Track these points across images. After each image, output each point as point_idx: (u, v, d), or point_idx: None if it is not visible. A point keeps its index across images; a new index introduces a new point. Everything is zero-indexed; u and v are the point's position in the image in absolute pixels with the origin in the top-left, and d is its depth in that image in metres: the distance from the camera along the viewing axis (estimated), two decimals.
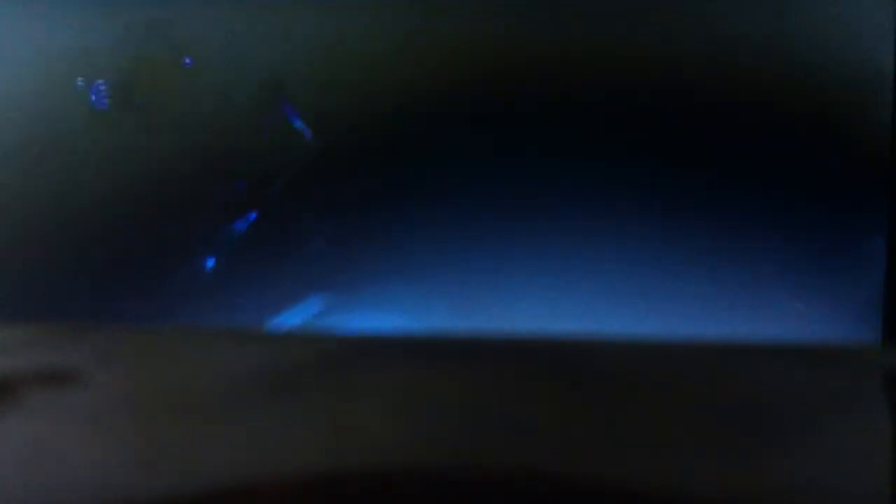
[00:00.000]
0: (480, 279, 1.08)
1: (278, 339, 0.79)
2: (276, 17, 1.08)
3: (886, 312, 1.05)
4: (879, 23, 1.05)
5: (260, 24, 1.08)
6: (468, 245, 1.09)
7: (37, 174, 1.09)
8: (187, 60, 1.08)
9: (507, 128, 1.08)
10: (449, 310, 1.08)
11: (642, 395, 0.63)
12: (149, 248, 1.09)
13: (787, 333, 1.05)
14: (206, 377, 0.65)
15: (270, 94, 1.08)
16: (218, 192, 1.09)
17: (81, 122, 1.08)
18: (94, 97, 1.07)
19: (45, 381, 0.63)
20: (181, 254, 1.09)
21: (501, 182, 1.08)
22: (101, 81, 1.08)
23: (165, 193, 1.09)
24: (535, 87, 1.08)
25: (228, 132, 1.08)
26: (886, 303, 1.05)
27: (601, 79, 1.08)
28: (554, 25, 1.08)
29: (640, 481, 0.53)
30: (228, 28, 1.08)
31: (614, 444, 0.57)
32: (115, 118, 1.08)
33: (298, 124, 1.08)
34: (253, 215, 1.08)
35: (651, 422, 0.59)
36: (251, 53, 1.08)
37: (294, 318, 1.08)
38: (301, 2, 1.08)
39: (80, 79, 1.06)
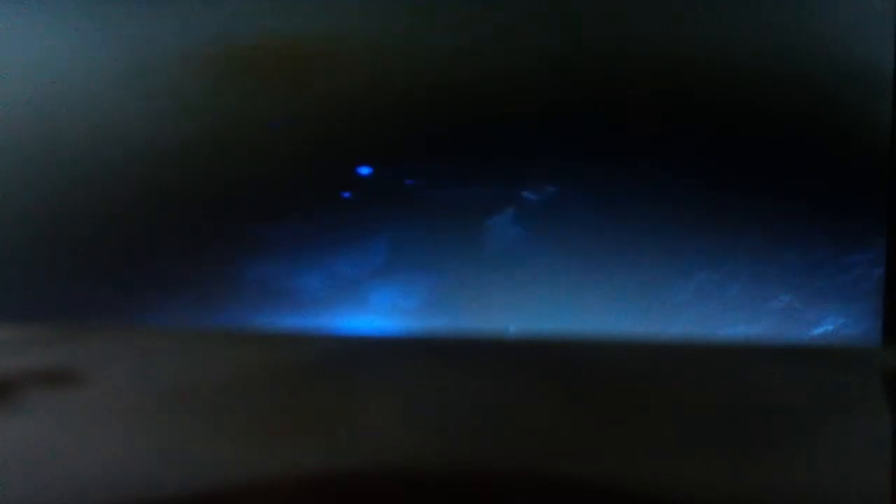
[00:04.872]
0: (481, 279, 1.08)
1: (278, 339, 0.79)
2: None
3: (886, 312, 1.05)
4: (879, 23, 1.05)
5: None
6: (467, 245, 1.09)
7: (37, 174, 1.09)
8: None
9: (507, 127, 1.08)
10: (447, 310, 1.08)
11: (642, 395, 0.63)
12: (148, 250, 1.09)
13: (786, 333, 1.05)
14: (206, 377, 0.65)
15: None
16: (218, 195, 1.09)
17: (84, 121, 1.08)
18: None
19: (45, 381, 0.63)
20: (181, 255, 1.09)
21: (501, 182, 1.08)
22: None
23: (165, 196, 1.09)
24: (533, 87, 1.08)
25: (229, 135, 1.08)
26: (886, 303, 1.05)
27: (600, 78, 1.08)
28: (552, 26, 1.08)
29: (640, 481, 0.53)
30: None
31: (614, 444, 0.57)
32: (121, 119, 1.08)
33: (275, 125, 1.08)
34: (252, 217, 1.08)
35: (651, 422, 0.59)
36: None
37: (296, 318, 1.08)
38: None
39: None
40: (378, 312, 1.09)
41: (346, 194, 1.08)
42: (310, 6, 1.08)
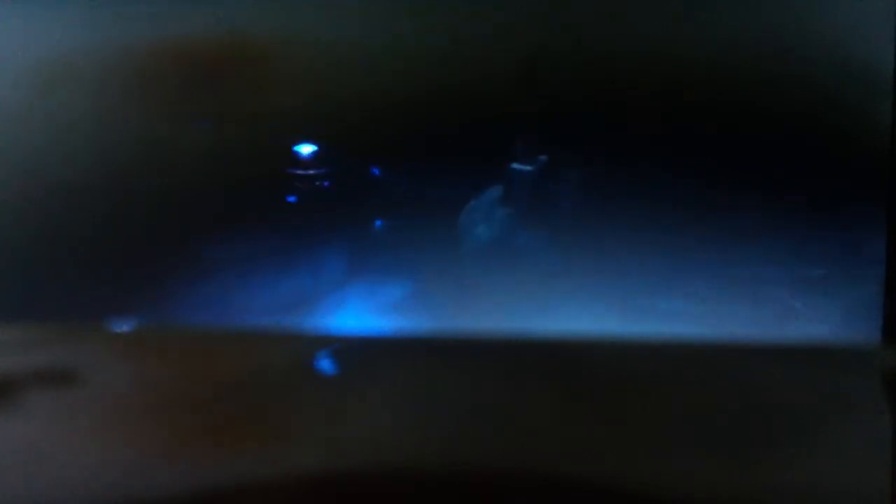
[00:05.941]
0: (480, 279, 1.08)
1: (279, 339, 0.79)
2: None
3: (886, 312, 1.05)
4: (879, 23, 1.05)
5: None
6: (467, 245, 1.09)
7: (37, 174, 1.09)
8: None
9: (506, 127, 1.08)
10: (448, 310, 1.08)
11: (641, 395, 0.63)
12: (149, 249, 1.09)
13: (787, 333, 1.05)
14: (206, 377, 0.65)
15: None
16: (218, 196, 1.09)
17: (82, 122, 1.08)
18: None
19: (45, 381, 0.63)
20: (181, 255, 1.09)
21: (500, 183, 1.08)
22: None
23: (166, 196, 1.09)
24: (531, 87, 1.08)
25: (226, 138, 1.08)
26: (886, 303, 1.05)
27: (600, 77, 1.08)
28: (552, 24, 1.08)
29: (639, 481, 0.53)
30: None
31: (613, 443, 0.57)
32: (117, 120, 1.08)
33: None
34: (253, 218, 1.08)
35: (650, 422, 0.59)
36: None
37: (296, 318, 1.08)
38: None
39: None
40: (377, 311, 1.09)
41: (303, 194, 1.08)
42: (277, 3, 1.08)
